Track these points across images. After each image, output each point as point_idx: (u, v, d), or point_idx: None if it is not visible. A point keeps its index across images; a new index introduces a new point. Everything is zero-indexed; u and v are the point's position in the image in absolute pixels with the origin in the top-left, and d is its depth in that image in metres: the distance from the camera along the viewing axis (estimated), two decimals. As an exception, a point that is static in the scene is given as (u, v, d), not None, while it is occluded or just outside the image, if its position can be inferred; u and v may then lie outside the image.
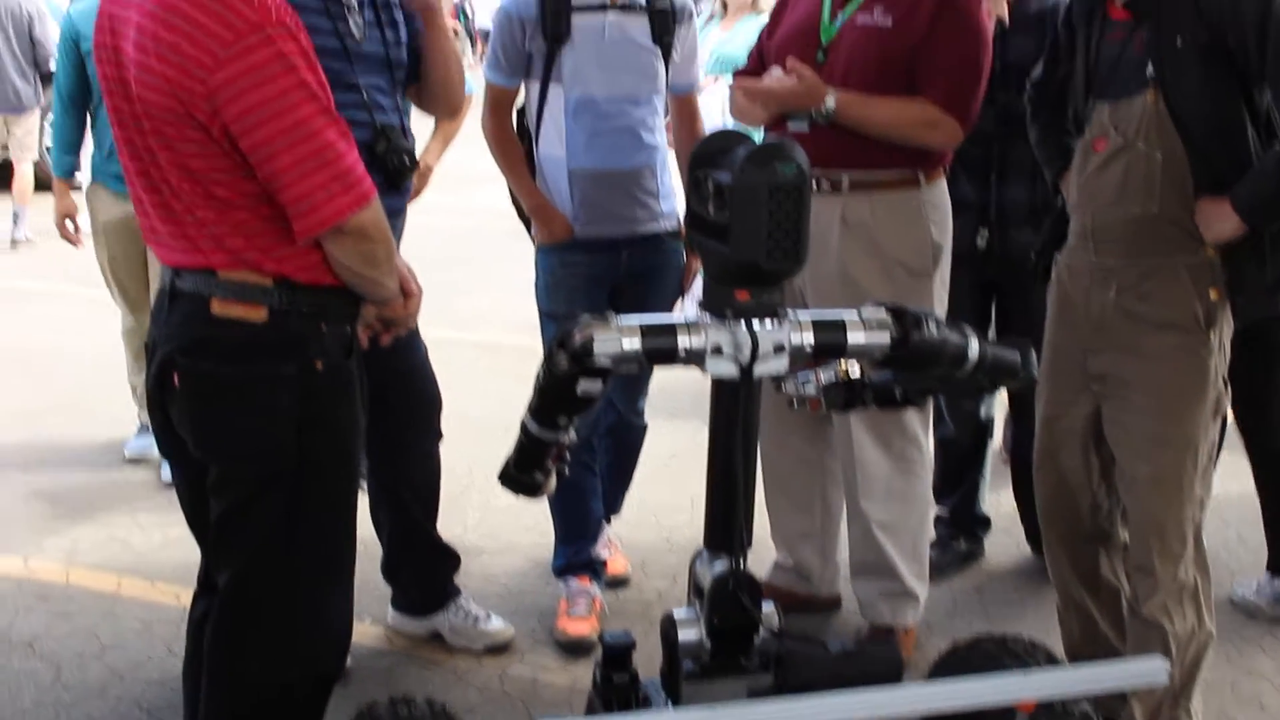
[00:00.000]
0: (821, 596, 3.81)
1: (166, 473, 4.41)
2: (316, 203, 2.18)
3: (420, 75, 3.25)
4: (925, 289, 3.36)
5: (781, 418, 3.53)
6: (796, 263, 2.03)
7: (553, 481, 2.36)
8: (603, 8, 3.43)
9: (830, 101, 3.21)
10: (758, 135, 2.57)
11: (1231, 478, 3.87)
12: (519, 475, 2.33)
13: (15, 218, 8.80)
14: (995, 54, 3.53)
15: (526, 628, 3.70)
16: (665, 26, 3.49)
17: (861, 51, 3.26)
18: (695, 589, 2.23)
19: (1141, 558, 2.95)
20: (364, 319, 2.47)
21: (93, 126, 4.76)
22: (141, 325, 4.73)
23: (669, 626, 2.20)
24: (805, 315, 2.14)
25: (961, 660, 2.39)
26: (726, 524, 2.17)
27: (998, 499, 4.35)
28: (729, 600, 2.15)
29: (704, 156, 2.13)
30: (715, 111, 5.14)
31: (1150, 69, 2.76)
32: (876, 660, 2.27)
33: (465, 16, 26.78)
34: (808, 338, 2.12)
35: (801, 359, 2.14)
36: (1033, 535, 3.95)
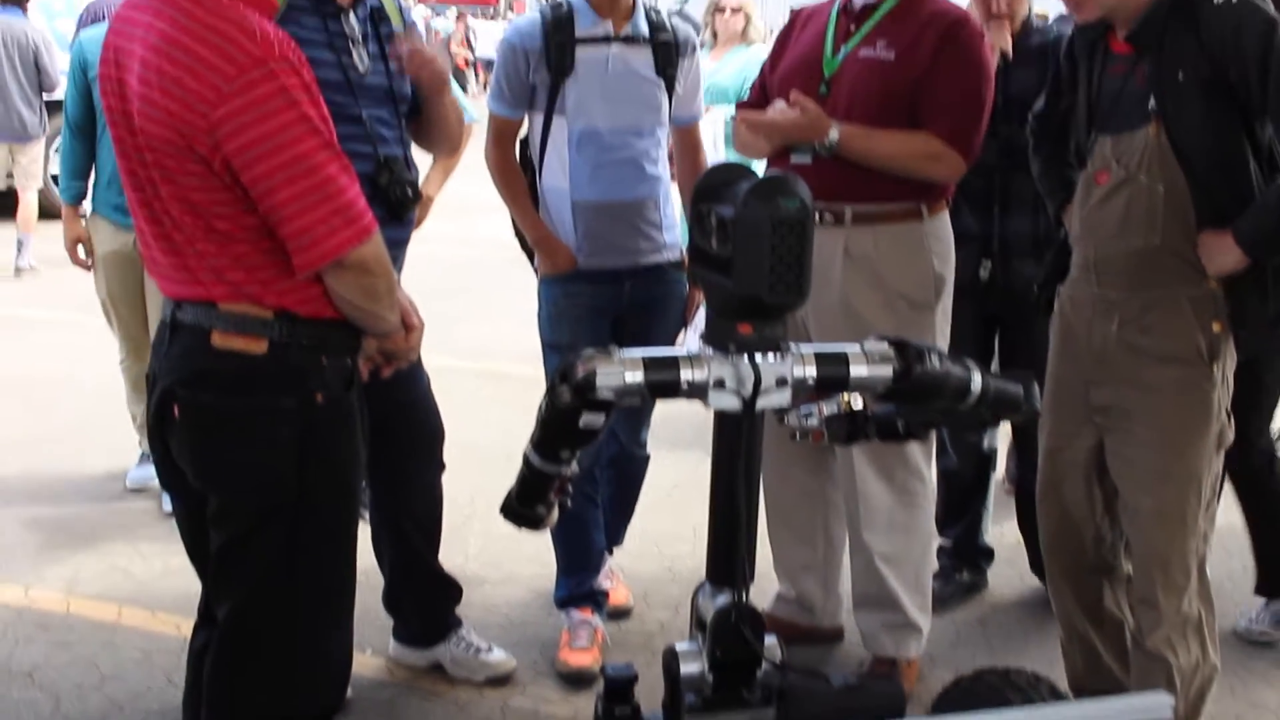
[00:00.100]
0: (824, 628, 3.80)
1: (168, 502, 4.40)
2: (317, 237, 2.18)
3: (420, 119, 3.26)
4: (927, 321, 3.36)
5: (784, 449, 3.52)
6: (799, 297, 2.03)
7: (555, 514, 2.36)
8: (606, 40, 3.45)
9: (834, 134, 3.22)
10: (758, 167, 2.58)
11: (1233, 508, 3.86)
12: (521, 508, 2.33)
13: (19, 246, 8.80)
14: (998, 86, 3.55)
15: (528, 659, 3.69)
16: (669, 59, 3.50)
17: (864, 84, 3.27)
18: (698, 622, 2.23)
19: (1145, 591, 2.95)
20: (365, 352, 2.48)
21: (94, 155, 4.78)
22: (139, 356, 4.75)
23: (671, 659, 2.19)
24: (807, 348, 2.15)
25: (965, 694, 2.38)
26: (729, 557, 2.17)
27: (1001, 530, 4.34)
28: (731, 633, 2.14)
29: (707, 190, 2.13)
30: (706, 141, 5.16)
31: (1152, 102, 2.77)
32: (879, 694, 2.26)
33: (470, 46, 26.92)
34: (810, 371, 2.12)
35: (804, 392, 2.14)
36: (1037, 564, 3.94)
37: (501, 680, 3.56)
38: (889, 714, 2.16)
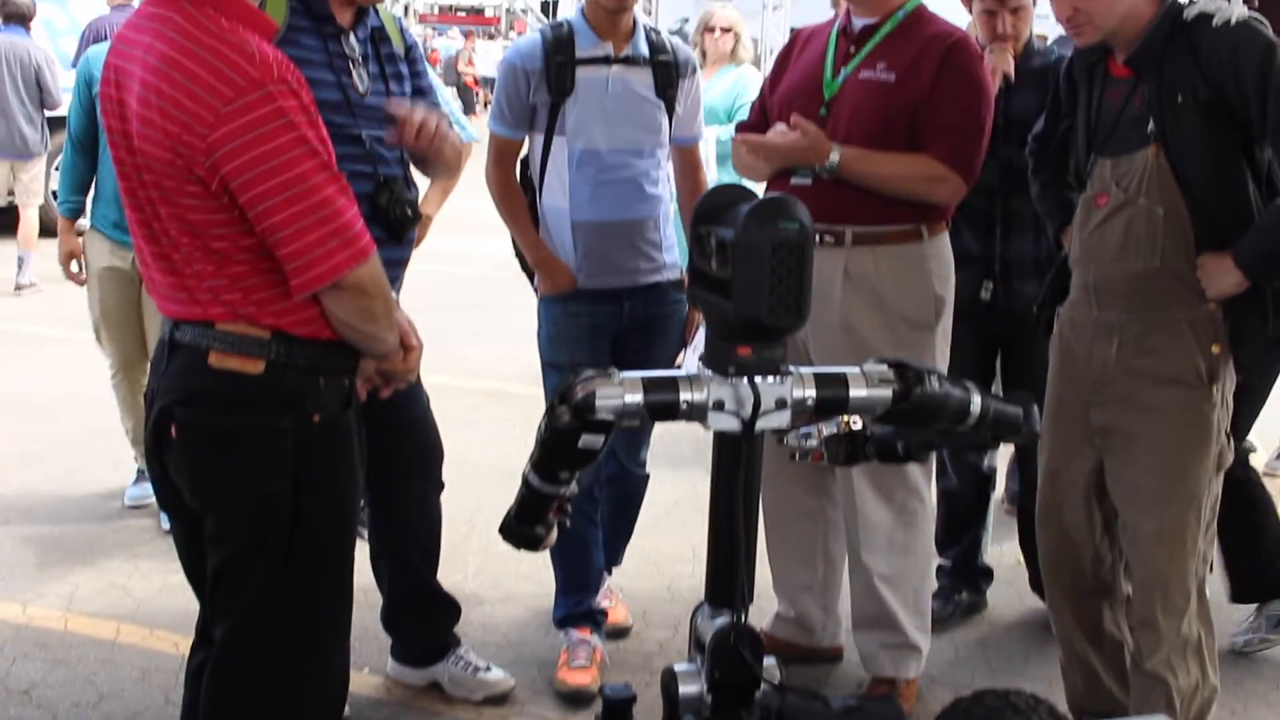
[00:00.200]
0: (823, 648, 3.80)
1: (167, 520, 4.40)
2: (314, 258, 2.19)
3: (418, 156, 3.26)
4: (927, 342, 3.37)
5: (783, 468, 3.52)
6: (799, 319, 2.04)
7: (554, 535, 2.36)
8: (607, 61, 3.46)
9: (834, 156, 3.23)
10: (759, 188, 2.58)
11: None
12: (520, 528, 2.33)
13: (20, 263, 8.81)
14: (1000, 108, 3.57)
15: (526, 678, 3.68)
16: (668, 80, 3.51)
17: (864, 106, 3.28)
18: (696, 643, 2.23)
19: (1145, 612, 2.94)
20: (364, 373, 2.48)
21: (95, 171, 4.79)
22: (128, 373, 4.76)
23: (670, 680, 2.20)
24: (807, 370, 2.15)
25: (964, 715, 2.38)
26: (728, 578, 2.17)
27: (1000, 550, 4.34)
28: (730, 655, 2.15)
29: (706, 212, 2.14)
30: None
31: (1152, 125, 2.78)
32: (878, 715, 2.27)
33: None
34: (809, 393, 2.13)
35: (803, 414, 2.14)
36: (1037, 583, 3.93)
37: (500, 699, 3.55)
38: (888, 735, 2.16)
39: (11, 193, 9.02)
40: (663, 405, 2.10)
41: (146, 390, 2.44)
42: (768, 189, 3.36)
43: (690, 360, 3.54)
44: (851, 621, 3.65)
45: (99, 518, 4.84)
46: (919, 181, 3.27)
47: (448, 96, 5.09)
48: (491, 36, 33.60)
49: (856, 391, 2.16)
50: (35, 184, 8.95)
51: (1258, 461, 5.39)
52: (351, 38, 3.05)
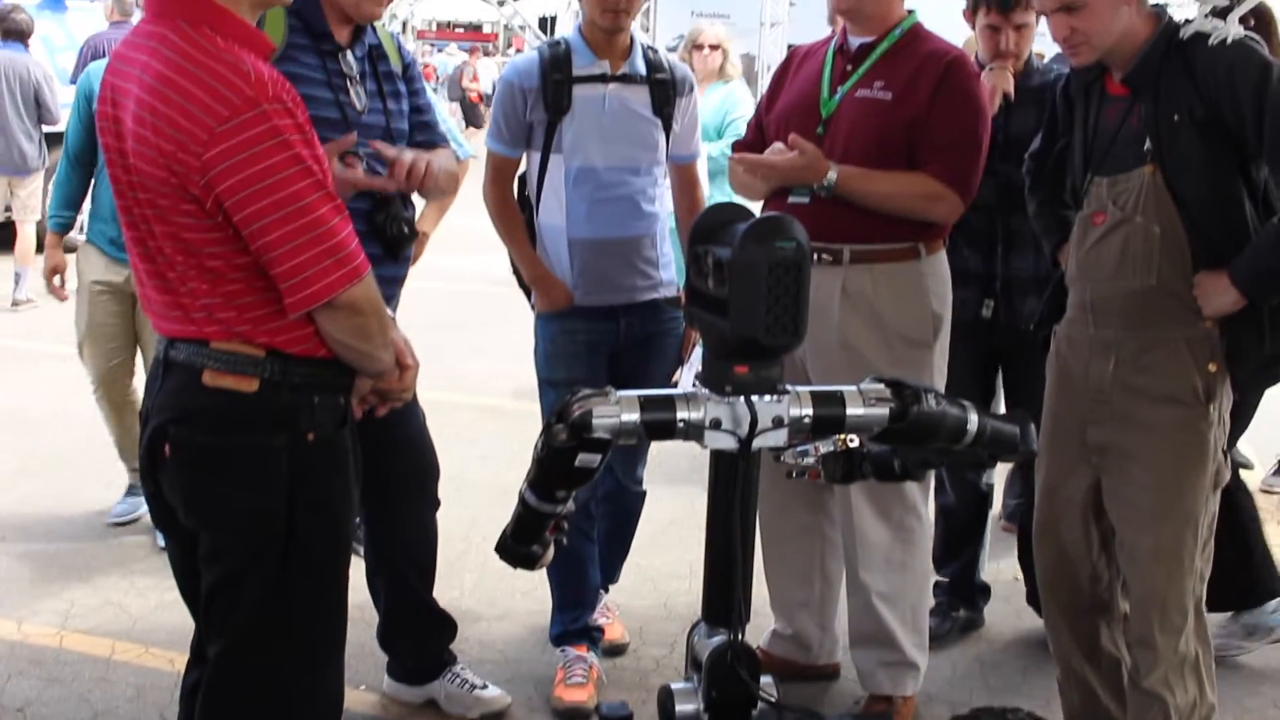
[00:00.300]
0: (820, 665, 3.79)
1: (162, 537, 4.39)
2: (308, 277, 2.19)
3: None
4: (925, 359, 3.37)
5: (780, 485, 3.52)
6: (795, 338, 2.04)
7: (550, 553, 2.36)
8: (603, 79, 3.47)
9: (832, 175, 3.23)
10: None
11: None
12: (516, 547, 2.33)
13: (17, 279, 8.81)
14: (1000, 127, 3.58)
15: (523, 695, 3.67)
16: (666, 98, 3.52)
17: (861, 125, 3.28)
18: (693, 661, 2.23)
19: (1142, 630, 2.94)
20: (359, 392, 2.47)
21: (94, 188, 4.79)
22: (108, 389, 4.76)
23: (666, 699, 2.19)
24: (804, 389, 2.15)
25: (961, 734, 2.38)
26: (725, 597, 2.17)
27: (997, 567, 4.34)
28: (727, 673, 2.14)
29: (703, 232, 2.14)
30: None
31: (1148, 144, 2.78)
32: (875, 735, 2.26)
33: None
34: (806, 411, 2.13)
35: (800, 432, 2.14)
36: (1035, 598, 3.92)
37: (496, 717, 3.55)
38: (885, 755, 2.16)
39: (9, 208, 9.02)
40: (660, 424, 2.10)
41: (141, 409, 2.44)
42: (765, 208, 3.37)
43: (687, 378, 3.54)
44: (849, 639, 3.64)
45: (94, 534, 4.83)
46: (916, 200, 3.27)
47: (445, 113, 5.10)
48: (489, 53, 33.65)
49: (853, 410, 2.17)
50: (33, 200, 8.96)
51: (1254, 477, 5.41)
52: (349, 55, 3.06)
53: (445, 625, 3.60)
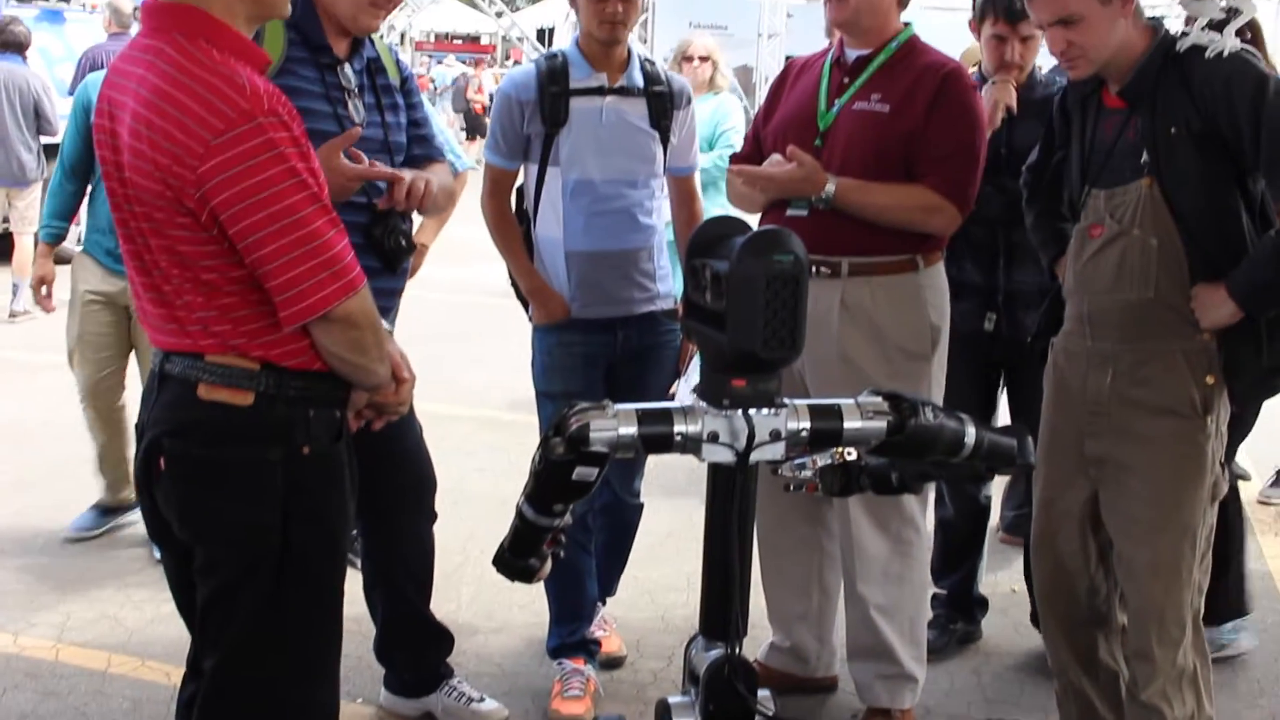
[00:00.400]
0: (818, 678, 3.78)
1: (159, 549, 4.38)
2: (303, 291, 2.18)
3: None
4: (924, 372, 3.37)
5: (778, 498, 3.52)
6: (793, 351, 2.04)
7: (547, 566, 2.36)
8: (601, 91, 3.47)
9: (830, 187, 3.24)
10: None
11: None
12: (514, 560, 2.32)
13: (14, 290, 8.82)
14: (1002, 140, 3.58)
15: (520, 708, 3.66)
16: (663, 110, 3.53)
17: (859, 137, 3.29)
18: (690, 675, 2.22)
19: (1140, 643, 2.94)
20: (355, 405, 2.47)
21: (91, 199, 4.79)
22: (95, 401, 4.76)
23: (664, 712, 2.19)
24: (802, 402, 2.15)
25: (959, 748, 2.37)
26: (722, 611, 2.17)
27: (995, 579, 4.33)
28: (724, 687, 2.14)
29: (701, 245, 2.14)
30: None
31: (1145, 157, 2.79)
32: (874, 749, 2.25)
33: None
34: (804, 425, 2.13)
35: (798, 445, 2.14)
36: (1038, 616, 3.93)
37: (493, 730, 3.54)
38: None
39: (7, 220, 9.01)
40: (657, 437, 2.10)
41: (137, 422, 2.43)
42: (763, 220, 3.38)
43: (684, 390, 3.54)
44: (847, 651, 3.64)
45: (91, 546, 4.82)
46: (914, 212, 3.28)
47: (443, 125, 5.10)
48: (489, 65, 33.70)
49: (851, 423, 2.17)
50: (31, 211, 8.95)
51: (1251, 489, 5.41)
52: (348, 68, 3.06)
53: (442, 638, 3.59)
